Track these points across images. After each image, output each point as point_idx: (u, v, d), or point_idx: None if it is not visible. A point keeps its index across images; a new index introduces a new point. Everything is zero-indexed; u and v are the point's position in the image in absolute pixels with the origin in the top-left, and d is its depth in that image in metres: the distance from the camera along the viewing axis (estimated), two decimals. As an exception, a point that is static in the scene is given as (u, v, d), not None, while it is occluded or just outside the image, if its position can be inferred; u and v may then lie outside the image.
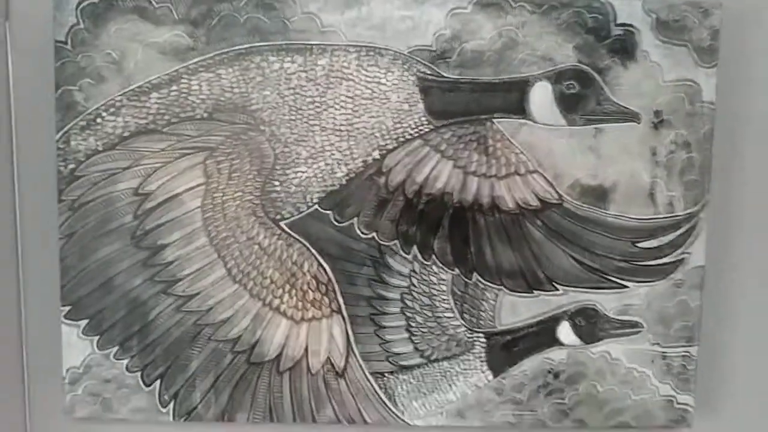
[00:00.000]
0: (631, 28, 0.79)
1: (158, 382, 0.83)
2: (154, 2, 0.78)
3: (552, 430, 0.83)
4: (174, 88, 0.79)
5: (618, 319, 0.82)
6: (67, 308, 0.81)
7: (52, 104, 0.79)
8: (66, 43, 0.78)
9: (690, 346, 0.82)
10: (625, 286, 0.82)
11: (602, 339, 0.82)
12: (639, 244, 0.81)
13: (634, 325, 0.82)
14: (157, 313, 0.81)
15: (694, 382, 0.82)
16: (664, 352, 0.83)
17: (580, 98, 0.79)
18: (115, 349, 0.82)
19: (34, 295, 0.82)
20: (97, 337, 0.82)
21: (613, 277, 0.81)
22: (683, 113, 0.80)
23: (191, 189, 0.80)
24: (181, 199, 0.80)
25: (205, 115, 0.79)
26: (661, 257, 0.81)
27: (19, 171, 0.81)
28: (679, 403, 0.83)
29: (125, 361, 0.82)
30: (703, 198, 0.80)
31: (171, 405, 0.83)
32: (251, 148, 0.80)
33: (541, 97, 0.80)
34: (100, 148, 0.79)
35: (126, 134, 0.79)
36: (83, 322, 0.81)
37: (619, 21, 0.79)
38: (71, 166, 0.80)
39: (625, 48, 0.79)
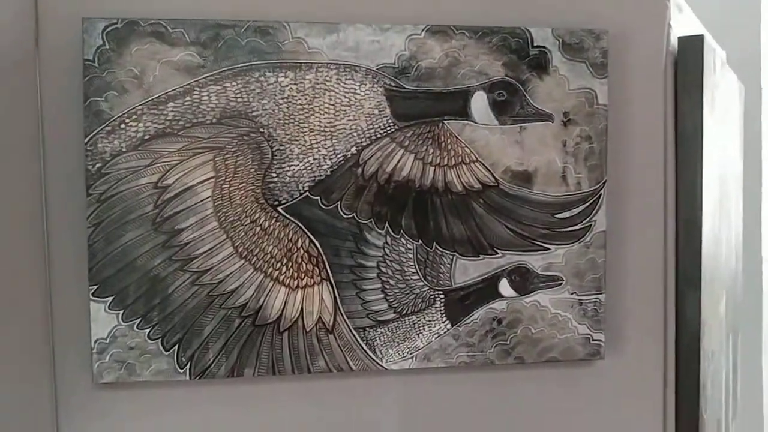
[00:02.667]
0: (544, 49, 1.02)
1: (176, 346, 0.96)
2: (169, 27, 0.94)
3: (498, 366, 1.04)
4: (187, 98, 0.94)
5: (544, 275, 1.03)
6: (95, 287, 0.95)
7: (80, 113, 0.93)
8: (93, 61, 0.92)
9: (599, 293, 1.05)
10: (548, 249, 1.03)
11: (533, 291, 1.02)
12: (557, 215, 1.04)
13: (556, 279, 1.04)
14: (174, 288, 0.95)
15: (604, 322, 1.07)
16: (580, 300, 1.05)
17: (508, 104, 1.01)
18: (139, 320, 0.95)
19: (63, 277, 0.92)
20: (121, 311, 0.94)
21: (539, 241, 1.03)
22: (585, 113, 1.03)
23: (203, 182, 0.96)
24: (195, 190, 0.95)
25: (214, 120, 0.95)
26: (574, 225, 1.04)
27: (47, 171, 0.93)
28: (593, 340, 1.05)
29: (147, 330, 0.95)
30: (603, 178, 1.06)
31: (187, 366, 0.96)
32: (253, 147, 0.97)
33: (479, 103, 1.02)
34: (124, 149, 0.93)
35: (146, 137, 0.94)
36: (109, 299, 0.94)
37: (535, 44, 1.02)
38: (98, 165, 0.93)
39: (540, 64, 1.02)
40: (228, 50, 0.93)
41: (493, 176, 1.00)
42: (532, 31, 1.00)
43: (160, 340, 0.94)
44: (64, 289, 0.93)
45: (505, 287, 1.01)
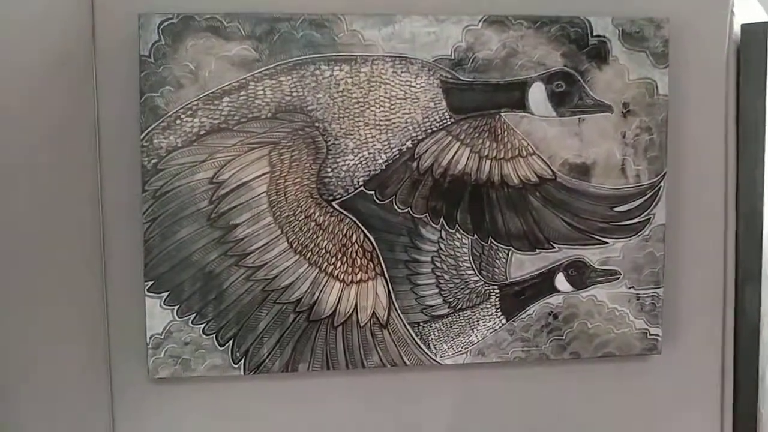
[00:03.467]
0: (603, 39, 0.99)
1: (231, 342, 0.96)
2: (224, 21, 0.92)
3: (553, 361, 1.02)
4: (242, 93, 0.93)
5: (601, 269, 1.01)
6: (150, 283, 0.95)
7: (137, 109, 0.93)
8: (149, 56, 0.91)
9: (657, 288, 1.03)
10: (606, 242, 1.01)
11: (590, 285, 1.00)
12: (615, 209, 1.01)
13: (614, 273, 1.01)
14: (229, 283, 0.95)
15: (662, 317, 1.05)
16: (637, 294, 1.03)
17: (566, 95, 0.99)
18: (194, 315, 0.94)
19: (120, 273, 0.92)
20: (176, 306, 0.94)
21: (596, 235, 1.00)
22: (645, 104, 1.00)
23: (258, 177, 0.94)
24: (250, 185, 0.95)
25: (269, 115, 0.94)
26: (632, 218, 1.01)
27: (104, 167, 0.92)
28: (651, 335, 1.04)
29: (202, 326, 0.95)
30: (663, 170, 1.03)
31: (242, 361, 0.96)
32: (308, 141, 0.95)
33: (537, 94, 0.99)
34: (180, 145, 0.93)
35: (202, 132, 0.93)
36: (164, 294, 0.93)
37: (594, 33, 0.99)
38: (154, 160, 0.93)
39: (599, 54, 0.99)
40: (283, 44, 0.92)
41: (551, 169, 0.97)
42: (591, 20, 0.97)
43: (215, 335, 0.94)
44: (121, 285, 0.93)
45: (561, 282, 0.99)
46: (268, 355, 0.94)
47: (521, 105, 0.96)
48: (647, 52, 0.98)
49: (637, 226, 1.00)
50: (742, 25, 1.04)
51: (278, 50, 0.91)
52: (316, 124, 0.93)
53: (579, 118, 0.97)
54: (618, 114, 0.98)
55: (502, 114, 0.96)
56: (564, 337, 1.00)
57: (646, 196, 1.00)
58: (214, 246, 0.92)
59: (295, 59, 0.91)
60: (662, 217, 1.00)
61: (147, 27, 0.89)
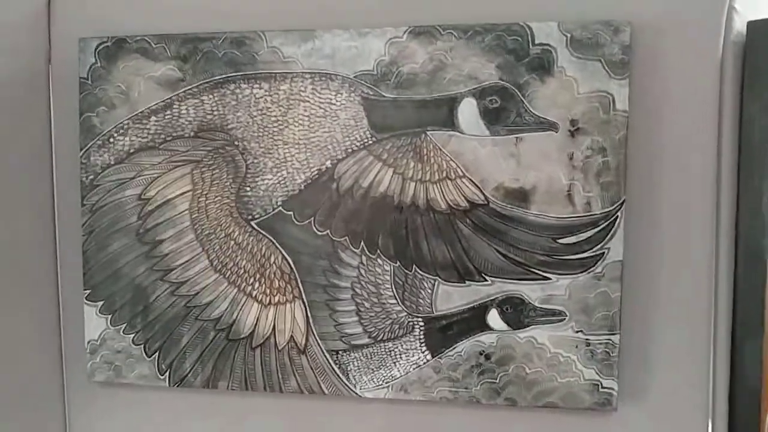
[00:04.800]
0: (548, 47, 0.86)
1: (157, 353, 0.98)
2: (152, 43, 0.95)
3: (485, 407, 0.92)
4: (168, 112, 0.94)
5: (542, 308, 0.89)
6: (88, 291, 1.00)
7: (77, 128, 0.99)
8: (87, 78, 0.96)
9: (612, 334, 0.87)
10: (548, 278, 0.88)
11: (528, 325, 0.87)
12: (559, 240, 0.88)
13: (557, 313, 0.87)
14: (155, 297, 0.96)
15: (618, 368, 0.89)
16: (587, 339, 0.88)
17: (501, 111, 0.87)
18: (124, 325, 0.97)
19: (69, 281, 0.97)
20: (110, 315, 0.98)
21: (536, 269, 0.88)
22: (598, 121, 0.85)
23: (181, 194, 0.95)
24: (174, 203, 0.95)
25: (192, 134, 0.93)
26: (580, 252, 0.87)
27: (57, 182, 1.01)
28: (603, 387, 0.88)
29: (132, 336, 0.97)
30: (620, 198, 0.87)
31: (167, 373, 0.98)
32: (228, 160, 0.94)
33: (468, 111, 0.89)
34: (112, 162, 0.96)
35: (131, 150, 0.96)
36: (100, 303, 0.98)
37: (537, 41, 0.86)
38: (90, 177, 0.97)
39: (542, 65, 0.86)
40: (206, 63, 0.91)
41: (483, 194, 0.86)
42: (533, 27, 0.84)
43: (143, 345, 0.95)
44: (71, 293, 0.99)
45: (494, 319, 0.88)
46: (190, 370, 0.94)
47: (450, 123, 0.86)
48: (602, 60, 0.83)
49: (586, 261, 0.85)
50: (750, 23, 0.85)
51: (201, 69, 0.91)
52: (236, 143, 0.91)
53: (516, 138, 0.85)
54: (564, 133, 0.84)
55: (428, 132, 0.87)
56: (497, 381, 0.88)
57: (599, 228, 0.85)
58: (142, 260, 0.94)
59: (216, 78, 0.90)
60: (618, 253, 0.84)
61: (86, 50, 0.93)
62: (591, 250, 0.84)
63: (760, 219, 0.83)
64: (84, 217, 0.94)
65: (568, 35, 0.83)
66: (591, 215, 0.84)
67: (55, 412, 0.99)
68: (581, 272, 0.85)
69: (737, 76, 0.84)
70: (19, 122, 0.94)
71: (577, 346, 0.85)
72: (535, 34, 0.84)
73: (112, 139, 0.93)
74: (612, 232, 0.84)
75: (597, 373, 0.85)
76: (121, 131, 0.93)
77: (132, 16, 0.94)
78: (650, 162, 0.85)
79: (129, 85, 0.92)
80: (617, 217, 0.84)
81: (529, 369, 0.87)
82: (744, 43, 0.84)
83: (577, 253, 0.85)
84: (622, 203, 0.83)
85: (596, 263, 0.84)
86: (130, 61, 0.92)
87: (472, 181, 0.86)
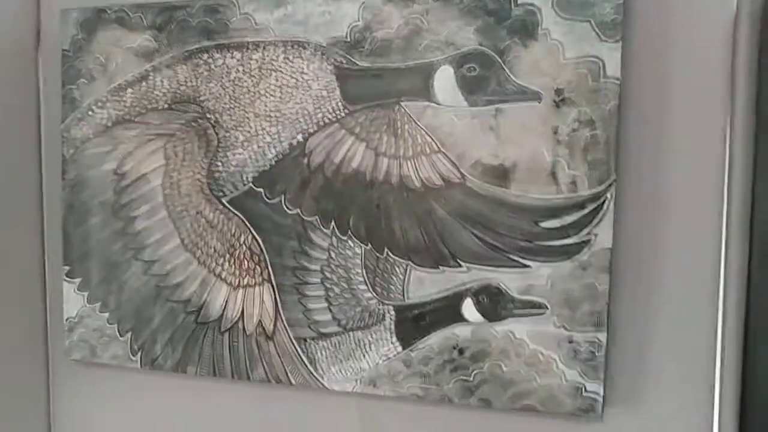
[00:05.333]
0: (531, 7, 0.77)
1: (129, 333, 0.94)
2: (129, 13, 0.92)
3: (458, 406, 0.82)
4: (143, 84, 0.91)
5: (520, 299, 0.78)
6: (67, 268, 0.98)
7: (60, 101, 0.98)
8: (69, 51, 0.95)
9: (598, 331, 0.76)
10: (528, 266, 0.79)
11: (505, 318, 0.77)
12: (541, 224, 0.78)
13: (538, 305, 0.77)
14: (128, 275, 0.92)
15: (604, 370, 0.78)
16: (570, 336, 0.78)
17: (481, 80, 0.78)
18: (99, 304, 0.96)
19: (53, 257, 0.98)
20: (86, 293, 0.96)
21: (516, 256, 0.78)
22: (586, 90, 0.74)
23: (154, 169, 0.91)
24: (147, 177, 0.91)
25: (166, 106, 0.89)
26: (564, 237, 0.77)
27: (46, 156, 1.00)
28: (587, 391, 0.77)
29: (106, 315, 0.94)
30: (609, 177, 0.77)
31: (139, 354, 0.93)
32: (200, 133, 0.89)
33: (444, 80, 0.80)
34: (91, 136, 0.93)
35: (109, 124, 0.92)
36: (78, 280, 0.96)
37: (519, 1, 0.77)
38: (71, 151, 0.95)
39: (525, 28, 0.76)
40: (180, 32, 0.87)
41: (459, 171, 0.78)
42: (515, -14, 0.76)
43: (116, 325, 0.92)
44: (55, 269, 0.97)
45: (469, 309, 0.79)
46: (161, 352, 0.90)
47: (425, 93, 0.78)
48: (592, 21, 0.74)
49: (571, 248, 0.75)
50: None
51: (175, 39, 0.87)
52: (208, 116, 0.86)
53: (496, 109, 0.76)
54: (548, 103, 0.75)
55: (403, 104, 0.79)
56: (471, 379, 0.79)
57: (585, 210, 0.75)
58: (116, 237, 0.91)
59: (190, 48, 0.86)
60: (607, 240, 0.74)
61: (67, 21, 0.91)
62: (576, 236, 0.74)
63: (780, 205, 0.71)
64: (64, 192, 0.92)
65: (555, -6, 0.74)
66: (577, 196, 0.74)
67: (36, 388, 0.97)
68: (565, 260, 0.75)
69: (752, 44, 0.72)
70: (8, 95, 0.94)
71: (558, 344, 0.76)
72: (518, -7, 0.75)
73: (91, 113, 0.91)
74: (600, 215, 0.73)
75: (580, 375, 0.75)
76: (99, 104, 0.90)
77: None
78: (647, 137, 0.74)
79: (107, 56, 0.89)
80: (606, 198, 0.73)
81: (506, 367, 0.77)
82: (763, 6, 0.72)
83: (560, 239, 0.75)
84: (612, 183, 0.73)
85: (582, 250, 0.74)
86: (108, 31, 0.89)
87: (447, 156, 0.78)
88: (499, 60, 0.76)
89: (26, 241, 0.96)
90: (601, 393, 0.74)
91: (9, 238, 0.94)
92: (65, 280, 0.93)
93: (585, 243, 0.74)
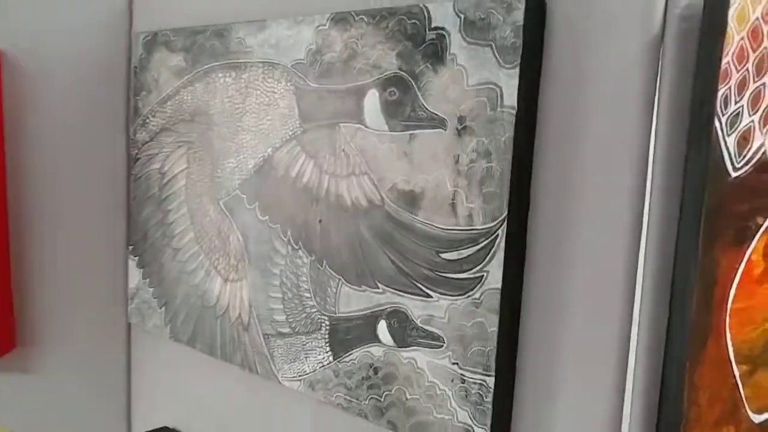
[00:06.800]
0: (442, 32, 0.71)
1: (164, 308, 1.08)
2: (171, 36, 1.03)
3: (371, 424, 0.80)
4: (176, 98, 1.02)
5: (422, 328, 0.74)
6: (131, 247, 1.14)
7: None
8: (137, 67, 1.09)
9: (487, 375, 0.69)
10: (430, 296, 0.73)
11: (410, 345, 0.74)
12: (442, 255, 0.71)
13: (436, 337, 0.72)
14: (164, 259, 1.06)
15: (491, 417, 0.69)
16: (462, 375, 0.71)
17: (399, 104, 0.73)
18: (148, 279, 1.11)
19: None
20: (142, 269, 1.12)
21: (420, 283, 0.73)
22: (485, 120, 0.67)
23: (181, 171, 1.02)
24: (177, 177, 1.03)
25: (189, 117, 0.99)
26: (460, 271, 0.70)
27: (128, 154, 1.16)
28: None
29: (152, 289, 1.10)
30: (501, 213, 0.67)
31: (169, 326, 1.08)
32: (207, 143, 0.97)
33: (371, 103, 0.77)
34: (147, 140, 1.08)
35: (157, 130, 1.05)
36: (137, 258, 1.13)
37: (432, 25, 0.71)
38: (135, 151, 1.10)
39: (435, 52, 0.71)
40: (199, 54, 0.95)
41: (380, 194, 0.75)
42: (430, 8, 0.70)
43: (157, 300, 1.06)
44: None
45: (383, 331, 0.76)
46: (180, 327, 1.02)
47: (358, 115, 0.77)
48: (492, 45, 0.66)
49: (465, 283, 0.69)
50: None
51: (196, 60, 0.96)
52: (214, 128, 0.94)
53: (410, 135, 0.72)
54: (452, 131, 0.69)
55: (341, 125, 0.79)
56: (382, 399, 0.77)
57: (479, 246, 0.68)
58: (158, 225, 1.04)
59: (204, 67, 0.95)
60: (496, 279, 0.66)
61: (137, 42, 1.05)
62: (470, 271, 0.69)
63: (694, 237, 0.58)
64: (132, 185, 1.08)
65: (462, 16, 0.68)
66: (471, 230, 0.68)
67: (118, 342, 1.16)
68: (460, 295, 0.70)
69: (680, 69, 0.59)
70: (104, 104, 1.12)
71: (452, 380, 0.71)
72: (432, 16, 0.70)
73: (147, 120, 1.04)
74: (492, 253, 0.67)
75: (470, 417, 0.70)
76: (152, 113, 1.03)
77: (179, 12, 1.03)
78: (556, 173, 0.65)
79: (158, 73, 1.02)
80: (498, 235, 0.67)
81: (409, 394, 0.75)
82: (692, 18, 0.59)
83: (457, 272, 0.70)
84: (504, 220, 0.66)
85: (475, 287, 0.69)
86: (159, 53, 1.02)
87: (371, 179, 0.76)
88: (414, 85, 0.72)
89: (114, 224, 1.14)
90: (486, 439, 0.69)
91: (101, 218, 1.13)
92: (130, 257, 1.09)
93: (478, 280, 0.68)
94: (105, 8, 1.10)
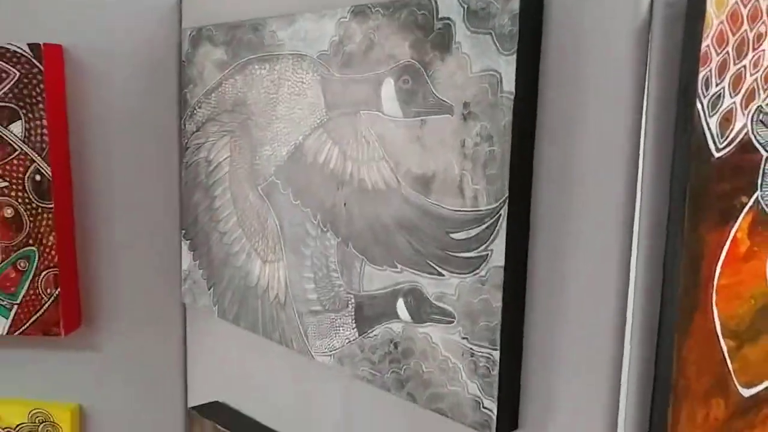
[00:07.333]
0: (448, 21, 0.75)
1: (212, 288, 1.17)
2: (213, 31, 1.11)
3: (393, 396, 0.85)
4: (219, 89, 1.09)
5: (436, 305, 0.78)
6: (184, 231, 1.23)
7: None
8: (185, 61, 1.18)
9: (492, 348, 0.73)
10: (442, 274, 0.78)
11: (426, 321, 0.79)
12: (452, 235, 0.76)
13: (447, 313, 0.77)
14: (212, 242, 1.14)
15: (497, 389, 0.73)
16: (471, 349, 0.75)
17: (412, 92, 0.78)
18: (198, 261, 1.19)
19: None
20: (193, 252, 1.20)
21: (433, 262, 0.77)
22: (487, 105, 0.71)
23: (225, 159, 1.09)
24: (221, 165, 1.11)
25: (230, 108, 1.07)
26: (468, 251, 0.74)
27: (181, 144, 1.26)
28: (484, 407, 0.74)
29: (201, 271, 1.19)
30: (503, 194, 0.71)
31: (217, 306, 1.16)
32: (247, 132, 1.04)
33: (387, 91, 0.82)
34: (195, 130, 1.16)
35: (204, 120, 1.13)
36: (189, 241, 1.21)
37: (440, 15, 0.75)
38: (185, 140, 1.19)
39: (443, 41, 0.75)
40: (238, 47, 1.03)
41: (396, 178, 0.81)
42: (438, 0, 0.74)
43: (206, 281, 1.15)
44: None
45: (401, 308, 0.82)
46: (227, 306, 1.10)
47: (376, 103, 0.82)
48: (492, 34, 0.70)
49: (473, 261, 0.73)
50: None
51: (235, 53, 1.03)
52: (252, 118, 1.01)
53: (421, 120, 0.77)
54: (458, 117, 0.73)
55: (362, 112, 0.84)
56: (402, 372, 0.82)
57: (484, 225, 0.72)
58: (206, 210, 1.12)
59: (242, 60, 1.02)
60: (500, 258, 0.71)
61: (185, 39, 1.14)
62: (476, 250, 0.73)
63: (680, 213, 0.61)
64: (183, 172, 1.17)
65: (466, 6, 0.72)
66: (477, 211, 0.73)
67: (174, 325, 1.26)
68: (468, 273, 0.75)
69: (667, 54, 0.62)
70: (158, 97, 1.21)
71: (463, 354, 0.76)
72: (439, 7, 0.75)
73: (194, 111, 1.13)
74: (495, 232, 0.71)
75: (479, 390, 0.75)
76: (198, 105, 1.12)
77: (221, 8, 1.11)
78: (556, 156, 0.69)
79: (203, 67, 1.10)
80: (500, 216, 0.71)
81: (425, 368, 0.80)
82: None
83: (465, 251, 0.75)
84: (505, 200, 0.70)
85: (481, 265, 0.73)
86: (203, 47, 1.10)
87: (389, 164, 0.82)
88: (425, 73, 0.77)
89: (168, 207, 1.23)
90: (495, 411, 0.73)
91: (157, 205, 1.23)
92: (183, 240, 1.19)
93: (483, 258, 0.73)
94: (157, 6, 1.19)
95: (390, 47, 0.80)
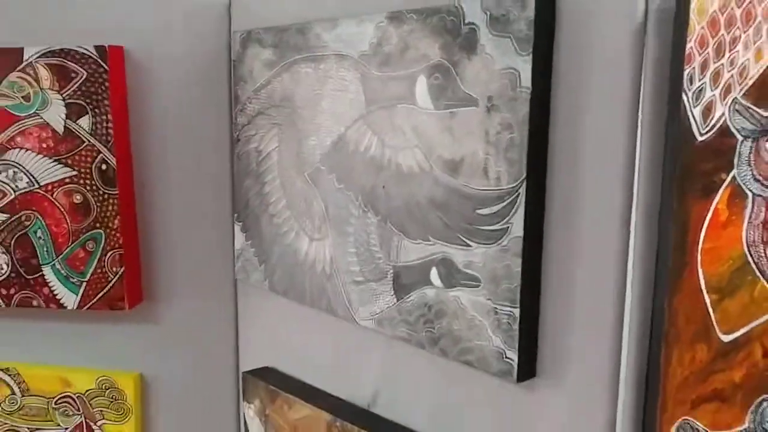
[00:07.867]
0: (473, 26, 0.87)
1: (264, 264, 1.31)
2: (261, 33, 1.24)
3: (428, 352, 0.99)
4: (268, 86, 1.23)
5: (464, 272, 0.91)
6: (236, 214, 1.37)
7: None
8: (236, 61, 1.32)
9: (513, 307, 0.86)
10: (470, 245, 0.91)
11: (455, 286, 0.92)
12: (478, 211, 0.89)
13: (474, 279, 0.90)
14: (263, 223, 1.29)
15: (518, 341, 0.86)
16: (495, 308, 0.88)
17: (442, 88, 0.92)
18: (250, 241, 1.34)
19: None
20: (245, 233, 1.35)
21: (462, 235, 0.91)
22: (507, 98, 0.84)
23: (274, 149, 1.23)
24: (270, 155, 1.25)
25: (278, 103, 1.21)
26: (492, 224, 0.87)
27: (232, 136, 1.40)
28: (506, 357, 0.88)
29: (253, 250, 1.33)
30: (521, 174, 0.83)
31: (268, 280, 1.30)
32: (292, 125, 1.18)
33: (421, 87, 0.95)
34: (245, 123, 1.30)
35: (253, 114, 1.27)
36: (240, 223, 1.36)
37: (466, 21, 0.88)
38: (236, 133, 1.33)
39: (469, 44, 0.88)
40: (285, 48, 1.17)
41: (429, 162, 0.94)
42: (464, 7, 0.87)
43: (257, 258, 1.29)
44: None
45: (434, 276, 0.95)
46: (277, 281, 1.25)
47: (411, 98, 0.96)
48: (511, 37, 0.82)
49: (496, 233, 0.86)
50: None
51: (282, 54, 1.17)
52: (298, 111, 1.15)
53: (450, 112, 0.90)
54: (483, 109, 0.86)
55: (399, 105, 0.98)
56: (435, 331, 0.96)
57: (505, 202, 0.85)
58: (257, 196, 1.27)
59: (288, 60, 1.16)
60: (519, 229, 0.84)
61: (235, 41, 1.28)
62: (499, 223, 0.87)
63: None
64: (235, 163, 1.32)
65: (488, 13, 0.85)
66: (500, 189, 0.86)
67: (227, 299, 1.41)
68: (492, 243, 0.88)
69: (659, 55, 0.74)
70: (211, 93, 1.36)
71: (488, 313, 0.89)
72: (465, 14, 0.88)
73: (245, 106, 1.27)
74: (515, 207, 0.85)
75: (503, 343, 0.88)
76: (249, 100, 1.26)
77: (268, 13, 1.25)
78: (566, 141, 0.82)
79: (252, 66, 1.24)
80: (519, 194, 0.84)
81: (456, 326, 0.94)
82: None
83: (490, 225, 0.88)
84: (523, 180, 0.83)
85: (503, 236, 0.86)
86: (252, 48, 1.24)
87: (421, 150, 0.95)
88: (453, 71, 0.90)
89: (221, 193, 1.38)
90: (516, 360, 0.87)
91: (211, 191, 1.37)
92: (236, 222, 1.33)
93: (505, 230, 0.86)
94: (208, 12, 1.33)
95: (423, 48, 0.94)
